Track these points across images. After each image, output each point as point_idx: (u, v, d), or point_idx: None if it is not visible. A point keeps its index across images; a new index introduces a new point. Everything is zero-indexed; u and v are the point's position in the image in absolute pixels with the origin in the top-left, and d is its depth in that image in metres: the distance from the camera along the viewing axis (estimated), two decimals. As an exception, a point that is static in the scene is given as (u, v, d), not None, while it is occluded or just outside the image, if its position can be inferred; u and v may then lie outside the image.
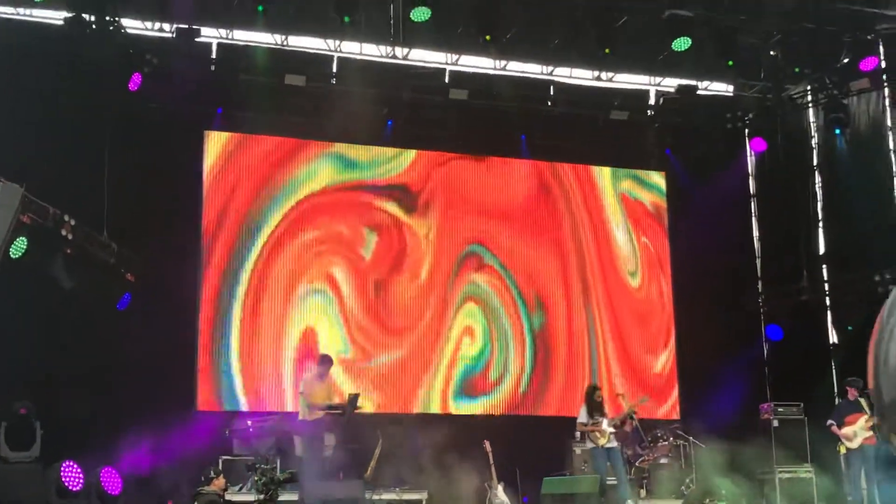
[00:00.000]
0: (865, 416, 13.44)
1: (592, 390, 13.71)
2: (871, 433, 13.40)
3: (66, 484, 11.28)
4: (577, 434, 15.04)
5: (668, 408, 17.13)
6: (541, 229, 17.26)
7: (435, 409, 16.13)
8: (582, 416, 13.54)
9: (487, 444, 13.87)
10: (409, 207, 16.62)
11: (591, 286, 17.37)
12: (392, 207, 16.52)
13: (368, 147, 16.58)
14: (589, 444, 13.50)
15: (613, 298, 17.47)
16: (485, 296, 16.74)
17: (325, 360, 13.59)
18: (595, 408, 13.42)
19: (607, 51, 15.02)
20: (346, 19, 14.11)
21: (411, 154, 16.79)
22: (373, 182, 16.49)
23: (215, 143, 15.82)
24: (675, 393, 17.29)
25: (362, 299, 16.06)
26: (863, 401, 13.59)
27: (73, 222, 12.77)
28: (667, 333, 17.62)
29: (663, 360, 17.49)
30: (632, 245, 17.73)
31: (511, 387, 16.62)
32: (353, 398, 13.28)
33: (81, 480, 11.37)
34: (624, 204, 17.84)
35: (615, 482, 13.35)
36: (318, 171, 16.25)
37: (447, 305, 16.49)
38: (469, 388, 16.39)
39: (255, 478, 11.60)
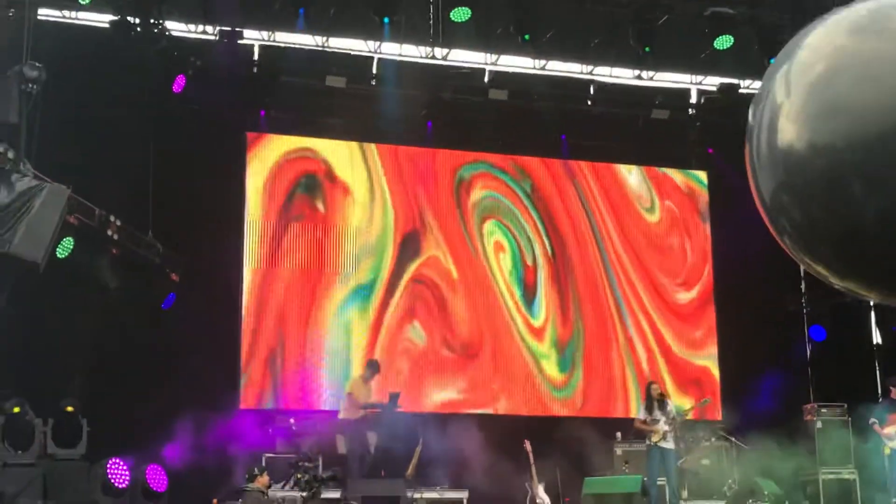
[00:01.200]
0: (909, 417, 13.32)
1: (649, 385, 13.67)
2: (916, 433, 13.27)
3: (113, 481, 11.43)
4: (618, 434, 15.04)
5: (711, 409, 17.00)
6: (582, 232, 17.24)
7: (476, 408, 16.14)
8: (640, 413, 13.53)
9: (528, 444, 13.86)
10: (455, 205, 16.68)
11: (633, 287, 17.31)
12: (439, 204, 16.59)
13: (409, 147, 16.64)
14: (646, 441, 13.47)
15: (656, 300, 17.40)
16: (529, 297, 16.75)
17: (372, 365, 13.77)
18: (653, 404, 13.35)
19: (647, 49, 14.96)
20: (386, 20, 14.17)
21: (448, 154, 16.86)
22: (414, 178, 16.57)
23: (258, 144, 15.95)
24: (718, 393, 17.19)
25: (408, 298, 16.13)
26: (906, 401, 13.48)
27: (118, 223, 12.95)
28: (710, 334, 17.53)
29: (706, 361, 17.40)
30: (674, 246, 17.65)
31: (553, 388, 16.60)
32: (395, 397, 13.35)
33: (127, 478, 11.51)
34: (665, 203, 17.77)
35: (663, 483, 13.30)
36: (360, 169, 16.32)
37: (497, 306, 16.53)
38: (512, 389, 16.40)
39: (298, 475, 11.73)
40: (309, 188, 16.07)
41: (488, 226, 16.81)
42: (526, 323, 16.70)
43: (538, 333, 16.75)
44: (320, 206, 16.06)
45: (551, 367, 16.66)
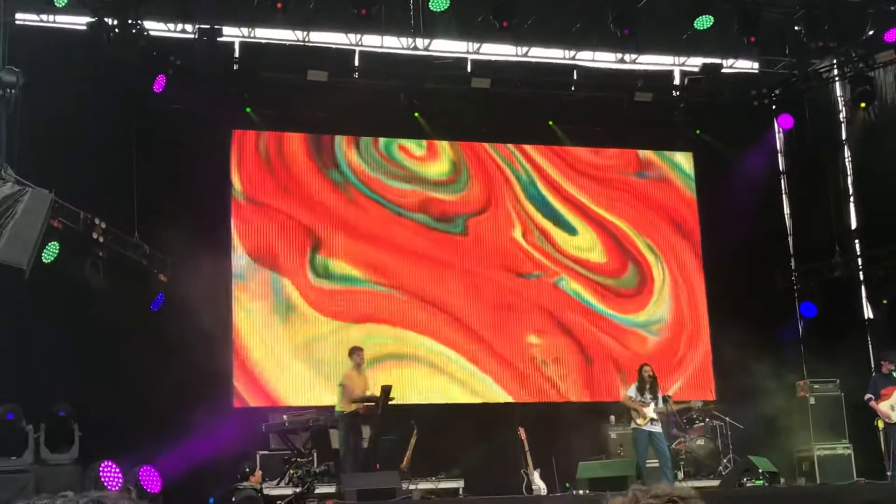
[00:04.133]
0: (901, 390, 13.35)
1: (641, 367, 13.67)
2: (908, 406, 13.31)
3: (105, 483, 11.41)
4: (612, 417, 15.06)
5: (704, 389, 17.05)
6: (570, 214, 17.25)
7: (470, 398, 16.15)
8: (630, 390, 13.48)
9: (522, 432, 13.88)
10: (445, 196, 16.67)
11: (621, 268, 17.33)
12: (427, 197, 16.58)
13: (394, 140, 16.64)
14: (631, 425, 13.45)
15: (646, 280, 17.42)
16: (519, 287, 16.75)
17: (357, 351, 13.72)
18: (644, 385, 13.34)
19: (627, 31, 14.92)
20: (365, 13, 14.13)
21: (437, 144, 16.83)
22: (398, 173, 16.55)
23: (242, 142, 15.93)
24: (711, 373, 17.22)
25: (394, 294, 16.12)
26: (897, 374, 13.51)
27: (103, 225, 12.94)
28: (700, 314, 17.55)
29: (698, 341, 17.42)
30: (664, 227, 17.65)
31: (545, 374, 16.61)
32: (387, 390, 13.35)
33: (120, 480, 11.49)
34: (653, 185, 17.77)
35: (657, 465, 13.31)
36: (348, 164, 16.31)
37: (483, 299, 16.53)
38: (504, 376, 16.41)
39: (292, 471, 11.74)
40: (296, 183, 16.04)
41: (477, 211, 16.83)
42: (519, 309, 16.69)
43: (532, 320, 16.74)
44: (308, 201, 16.03)
45: (544, 353, 16.64)
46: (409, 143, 16.73)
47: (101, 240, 12.90)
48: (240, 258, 15.57)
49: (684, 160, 18.03)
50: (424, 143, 16.78)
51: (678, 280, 17.60)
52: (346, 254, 16.03)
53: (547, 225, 17.09)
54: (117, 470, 11.49)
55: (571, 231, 17.21)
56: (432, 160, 16.86)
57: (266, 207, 15.83)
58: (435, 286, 16.34)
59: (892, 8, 16.20)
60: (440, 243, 16.51)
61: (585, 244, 17.27)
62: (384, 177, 16.46)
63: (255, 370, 15.32)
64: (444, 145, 16.86)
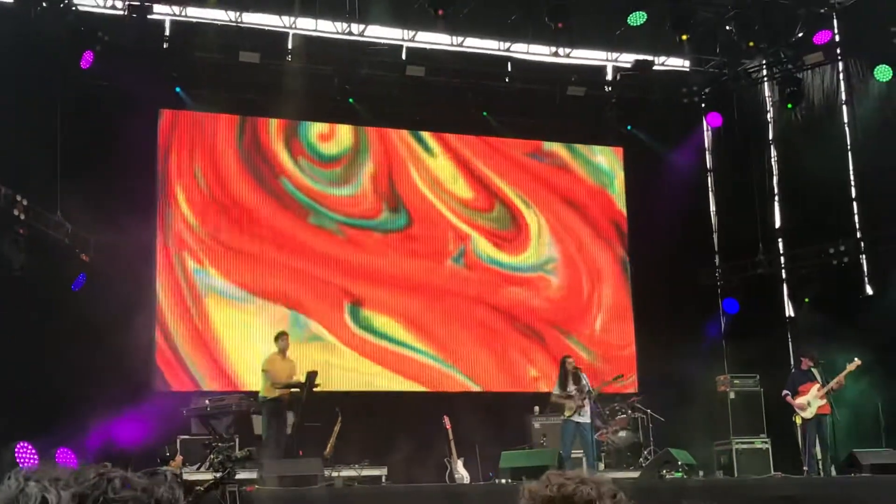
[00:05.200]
0: (818, 385, 13.61)
1: (564, 359, 13.77)
2: (824, 402, 13.58)
3: (21, 465, 11.19)
4: (535, 408, 15.16)
5: (627, 381, 17.21)
6: (500, 207, 17.31)
7: (394, 386, 16.14)
8: (555, 389, 13.60)
9: (447, 420, 13.91)
10: (368, 185, 16.62)
11: (550, 260, 17.43)
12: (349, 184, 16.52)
13: (323, 124, 16.54)
14: (561, 416, 13.56)
15: (571, 273, 17.54)
16: (449, 279, 16.77)
17: (282, 336, 13.61)
18: (566, 377, 13.44)
19: (560, 26, 14.99)
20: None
21: (365, 132, 16.76)
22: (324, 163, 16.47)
23: (169, 121, 15.72)
24: (634, 366, 17.40)
25: (321, 275, 16.05)
26: (815, 371, 13.77)
27: (25, 202, 12.65)
28: (625, 307, 17.72)
29: (621, 334, 17.60)
30: (588, 220, 17.79)
31: (470, 363, 16.66)
32: (312, 376, 13.28)
33: (36, 461, 11.28)
34: (580, 179, 17.89)
35: (581, 455, 13.44)
36: (275, 149, 16.18)
37: (413, 286, 16.52)
38: (427, 367, 16.43)
39: (213, 456, 11.61)
40: (224, 166, 15.87)
41: (407, 200, 16.80)
42: (445, 296, 16.72)
43: (459, 309, 16.77)
44: (234, 183, 15.87)
45: (467, 344, 16.69)
46: (323, 130, 16.59)
47: (22, 217, 12.62)
48: (163, 240, 15.36)
49: (614, 154, 18.18)
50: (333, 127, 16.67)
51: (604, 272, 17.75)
52: (266, 236, 15.90)
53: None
54: (33, 451, 11.28)
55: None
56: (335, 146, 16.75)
57: (191, 189, 15.62)
58: (362, 274, 16.30)
59: (822, 11, 16.50)
60: (362, 239, 16.47)
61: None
62: (307, 169, 16.31)
63: (177, 353, 15.14)
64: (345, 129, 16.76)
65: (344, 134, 16.72)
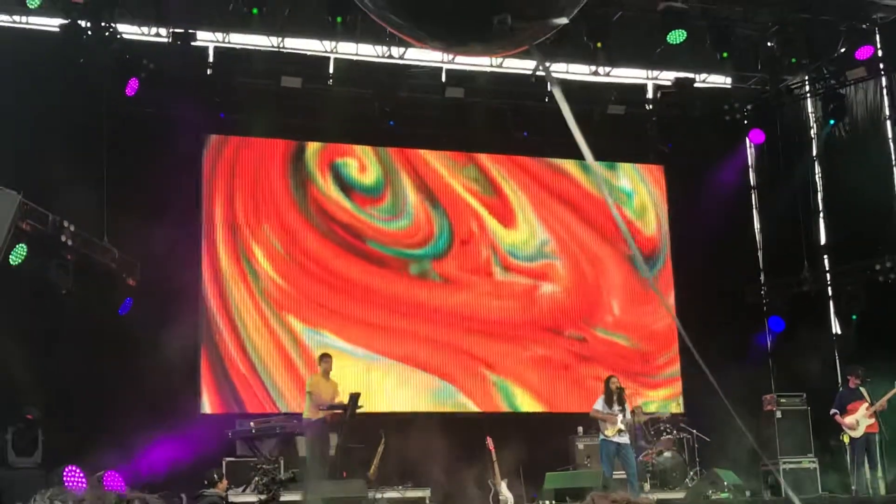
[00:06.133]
0: (867, 404, 13.45)
1: (608, 379, 13.71)
2: (873, 420, 13.42)
3: (69, 488, 11.33)
4: (580, 428, 15.09)
5: (673, 401, 17.13)
6: (543, 226, 17.31)
7: (437, 407, 16.17)
8: (598, 404, 13.54)
9: (490, 441, 13.88)
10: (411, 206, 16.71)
11: (593, 282, 17.39)
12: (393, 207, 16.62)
13: (366, 147, 16.67)
14: (599, 436, 13.49)
15: (617, 293, 17.48)
16: (485, 296, 16.79)
17: (326, 358, 13.70)
18: (612, 397, 13.38)
19: (599, 45, 15.00)
20: (339, 20, 14.14)
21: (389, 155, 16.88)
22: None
23: (214, 147, 15.90)
24: (679, 386, 17.30)
25: (363, 300, 16.13)
26: (863, 389, 13.61)
27: (72, 228, 12.84)
28: (670, 327, 17.61)
29: (667, 354, 17.50)
30: (633, 240, 17.72)
31: (514, 384, 16.65)
32: (355, 397, 13.32)
33: (84, 484, 11.41)
34: (624, 198, 17.85)
35: (623, 476, 13.34)
36: (319, 173, 16.32)
37: (450, 306, 16.56)
38: (471, 388, 16.43)
39: (258, 478, 11.69)
40: (268, 190, 16.02)
41: (451, 218, 16.86)
42: (486, 319, 16.73)
43: (497, 330, 16.78)
44: (281, 208, 16.02)
45: (513, 364, 16.68)
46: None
47: (69, 243, 12.79)
48: (209, 264, 15.52)
49: (656, 173, 18.13)
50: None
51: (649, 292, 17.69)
52: (318, 262, 16.03)
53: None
54: (81, 474, 11.41)
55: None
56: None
57: (237, 213, 15.78)
58: (408, 292, 16.37)
59: (864, 26, 16.38)
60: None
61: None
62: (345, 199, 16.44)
63: (223, 376, 15.26)
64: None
65: (371, 162, 16.77)
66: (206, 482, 11.92)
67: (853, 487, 13.73)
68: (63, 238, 12.73)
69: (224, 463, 13.40)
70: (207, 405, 15.07)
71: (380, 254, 16.39)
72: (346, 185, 16.43)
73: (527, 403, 16.65)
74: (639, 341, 17.36)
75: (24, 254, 11.91)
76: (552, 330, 17.04)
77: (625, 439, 13.22)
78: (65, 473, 11.36)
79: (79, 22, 13.59)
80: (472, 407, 16.34)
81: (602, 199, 17.50)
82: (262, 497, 10.73)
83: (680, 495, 14.09)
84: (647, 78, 17.69)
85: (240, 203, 15.83)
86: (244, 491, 12.84)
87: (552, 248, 17.33)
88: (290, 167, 16.20)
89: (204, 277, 15.43)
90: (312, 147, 16.38)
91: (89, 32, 13.63)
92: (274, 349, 15.59)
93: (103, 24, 13.74)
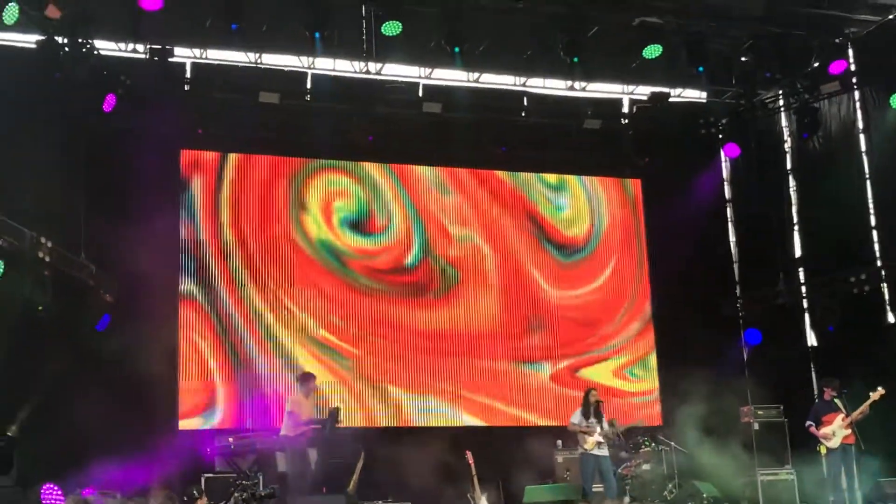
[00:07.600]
0: (842, 415, 13.55)
1: (588, 392, 13.75)
2: (849, 432, 13.50)
3: (48, 507, 11.27)
4: (559, 442, 15.13)
5: (651, 413, 17.20)
6: (514, 240, 17.38)
7: (419, 421, 16.18)
8: (575, 417, 13.57)
9: (469, 455, 13.89)
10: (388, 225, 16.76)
11: (570, 296, 17.47)
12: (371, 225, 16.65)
13: (346, 162, 16.70)
14: (578, 450, 13.53)
15: (593, 308, 17.56)
16: (466, 308, 16.84)
17: (309, 378, 13.70)
18: (590, 410, 13.43)
19: (575, 59, 15.09)
20: (318, 35, 14.17)
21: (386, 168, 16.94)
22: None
23: (191, 162, 15.89)
24: (657, 398, 17.38)
25: (343, 315, 16.15)
26: (838, 401, 13.70)
27: (49, 244, 12.79)
28: (647, 340, 17.71)
29: (644, 367, 17.59)
30: (609, 253, 17.84)
31: (491, 398, 16.68)
32: (334, 412, 13.31)
33: (62, 502, 11.34)
34: (600, 212, 17.95)
35: (601, 489, 13.39)
36: (297, 188, 16.33)
37: (428, 320, 16.60)
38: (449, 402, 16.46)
39: (237, 494, 11.66)
40: (246, 205, 16.02)
41: (428, 233, 16.90)
42: (468, 333, 16.77)
43: (480, 344, 16.81)
44: (260, 222, 16.02)
45: (489, 379, 16.71)
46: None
47: (47, 259, 12.74)
48: (186, 280, 15.49)
49: (632, 187, 18.24)
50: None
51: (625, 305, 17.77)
52: (294, 279, 16.03)
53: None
54: (59, 492, 11.34)
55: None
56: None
57: (215, 229, 15.77)
58: (383, 310, 16.39)
59: (837, 41, 16.56)
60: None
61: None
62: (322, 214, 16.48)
63: (201, 393, 15.22)
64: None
65: (349, 177, 16.80)
66: (185, 498, 11.83)
67: (830, 499, 13.81)
68: (40, 254, 12.67)
69: (203, 479, 13.35)
70: (185, 421, 15.00)
71: (358, 268, 16.40)
72: (324, 201, 16.44)
73: (504, 417, 16.67)
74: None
75: (1, 270, 11.85)
76: (528, 345, 17.08)
77: (604, 452, 13.27)
78: (42, 492, 11.29)
79: (55, 38, 13.51)
80: (452, 421, 16.34)
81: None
82: (242, 513, 10.69)
83: (658, 508, 14.15)
84: (623, 92, 17.81)
85: (218, 218, 15.81)
86: (223, 507, 12.78)
87: (520, 261, 17.38)
88: (267, 182, 16.20)
89: (181, 292, 15.38)
90: (290, 162, 16.38)
91: (66, 49, 13.57)
92: (253, 365, 15.56)
93: (80, 40, 13.68)
